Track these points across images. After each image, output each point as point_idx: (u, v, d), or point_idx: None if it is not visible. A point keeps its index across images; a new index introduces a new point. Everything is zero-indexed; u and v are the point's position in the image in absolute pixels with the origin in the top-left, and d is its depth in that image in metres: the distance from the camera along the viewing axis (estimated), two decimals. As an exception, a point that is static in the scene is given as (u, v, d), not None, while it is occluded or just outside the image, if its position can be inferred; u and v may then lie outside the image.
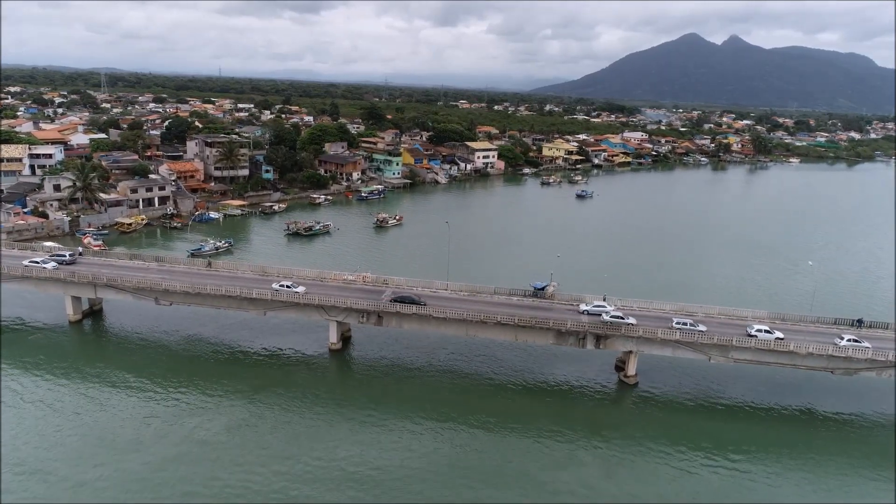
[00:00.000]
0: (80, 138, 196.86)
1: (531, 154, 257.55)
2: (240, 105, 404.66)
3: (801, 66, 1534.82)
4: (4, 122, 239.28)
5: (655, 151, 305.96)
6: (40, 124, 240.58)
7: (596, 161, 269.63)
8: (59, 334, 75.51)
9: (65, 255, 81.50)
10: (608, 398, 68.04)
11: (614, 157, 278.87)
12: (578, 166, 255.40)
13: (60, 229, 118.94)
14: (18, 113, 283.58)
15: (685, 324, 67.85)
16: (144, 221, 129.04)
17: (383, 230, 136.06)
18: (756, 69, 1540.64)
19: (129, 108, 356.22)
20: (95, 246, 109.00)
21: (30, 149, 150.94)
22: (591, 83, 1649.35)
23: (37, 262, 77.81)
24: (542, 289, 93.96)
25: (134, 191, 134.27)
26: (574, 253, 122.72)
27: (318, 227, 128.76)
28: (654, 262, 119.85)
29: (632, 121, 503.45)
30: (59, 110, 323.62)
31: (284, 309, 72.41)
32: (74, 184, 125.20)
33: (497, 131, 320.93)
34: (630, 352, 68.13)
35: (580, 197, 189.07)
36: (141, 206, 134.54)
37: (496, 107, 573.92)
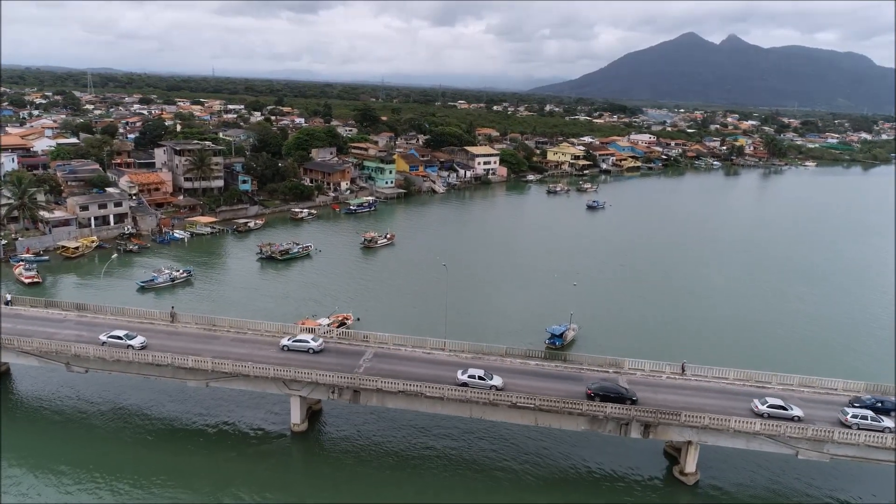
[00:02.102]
0: (45, 144, 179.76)
1: (535, 159, 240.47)
2: (230, 106, 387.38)
3: (800, 65, 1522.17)
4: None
5: (665, 155, 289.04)
6: (6, 128, 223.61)
7: (604, 166, 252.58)
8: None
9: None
10: (655, 494, 51.06)
11: (622, 162, 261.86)
12: (586, 172, 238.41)
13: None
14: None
15: (772, 407, 50.91)
16: (95, 244, 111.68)
17: (372, 252, 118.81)
18: (755, 69, 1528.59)
19: (112, 109, 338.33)
20: (27, 278, 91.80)
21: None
22: (589, 83, 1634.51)
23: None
24: (561, 335, 77.31)
25: (85, 207, 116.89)
26: (591, 279, 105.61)
27: (296, 250, 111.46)
28: (686, 293, 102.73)
29: (635, 121, 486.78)
30: (36, 112, 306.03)
31: (231, 380, 55.24)
32: (11, 201, 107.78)
33: (497, 133, 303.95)
34: (689, 442, 51.05)
35: (591, 208, 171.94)
36: (93, 226, 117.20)
37: (495, 107, 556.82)
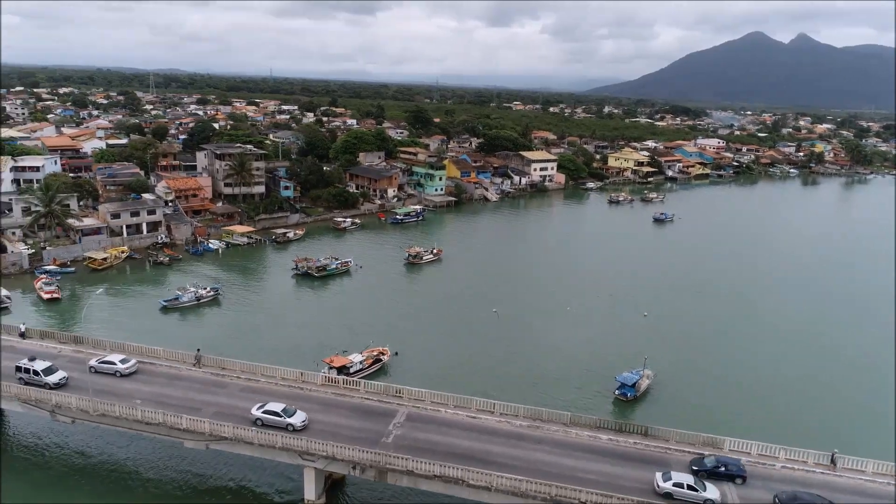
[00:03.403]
0: (95, 145, 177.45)
1: (595, 165, 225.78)
2: (283, 107, 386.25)
3: (876, 65, 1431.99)
4: (21, 126, 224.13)
5: (737, 161, 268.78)
6: (62, 128, 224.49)
7: (670, 173, 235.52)
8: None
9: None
10: None
11: (690, 169, 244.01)
12: (650, 179, 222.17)
13: (18, 265, 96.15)
14: (49, 116, 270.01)
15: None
16: (126, 254, 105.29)
17: (416, 269, 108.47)
18: (825, 69, 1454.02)
19: (168, 110, 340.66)
20: (46, 293, 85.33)
21: (14, 160, 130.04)
22: (648, 83, 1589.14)
23: None
24: (634, 385, 64.86)
25: (116, 215, 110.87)
26: (663, 308, 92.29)
27: (334, 266, 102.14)
28: (783, 331, 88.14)
29: (699, 124, 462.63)
30: (95, 112, 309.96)
31: (233, 445, 45.54)
32: (39, 208, 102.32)
33: (554, 137, 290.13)
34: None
35: (658, 221, 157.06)
36: (125, 234, 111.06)
37: (552, 108, 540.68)
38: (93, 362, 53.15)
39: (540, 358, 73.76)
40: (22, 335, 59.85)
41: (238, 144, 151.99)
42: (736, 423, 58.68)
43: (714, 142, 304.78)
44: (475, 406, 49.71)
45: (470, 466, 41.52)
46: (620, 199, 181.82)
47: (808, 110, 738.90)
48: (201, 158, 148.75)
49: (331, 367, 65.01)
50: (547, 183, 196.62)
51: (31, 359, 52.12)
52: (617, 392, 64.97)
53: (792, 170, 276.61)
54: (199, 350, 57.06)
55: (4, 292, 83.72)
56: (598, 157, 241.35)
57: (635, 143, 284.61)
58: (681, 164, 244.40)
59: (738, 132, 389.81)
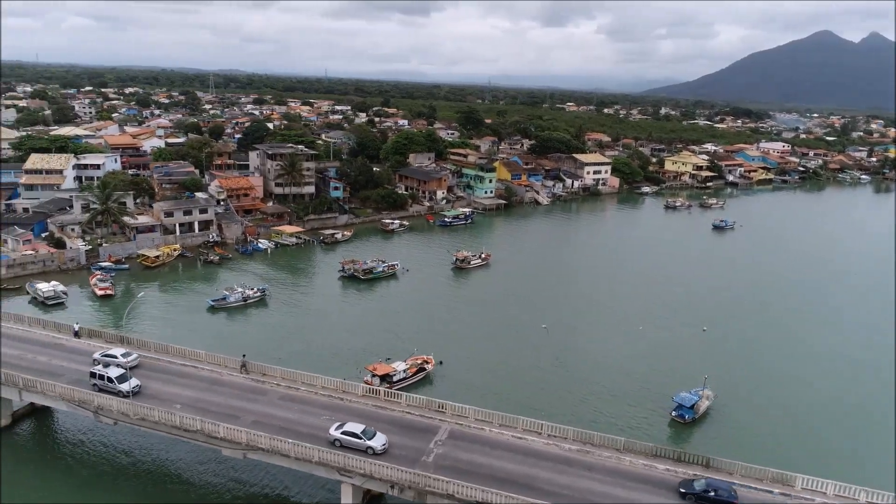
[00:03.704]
0: (154, 143, 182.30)
1: (651, 168, 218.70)
2: (337, 107, 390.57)
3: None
4: (88, 125, 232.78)
5: (803, 166, 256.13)
6: (125, 127, 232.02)
7: (730, 178, 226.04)
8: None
9: None
10: None
11: (752, 174, 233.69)
12: (709, 184, 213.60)
13: (75, 261, 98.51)
14: (114, 115, 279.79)
15: None
16: (178, 252, 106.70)
17: (464, 274, 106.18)
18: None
19: (226, 110, 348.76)
20: (100, 290, 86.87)
21: (77, 158, 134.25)
22: (707, 84, 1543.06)
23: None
24: (692, 406, 60.88)
25: (169, 214, 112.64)
26: (724, 322, 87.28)
27: (380, 269, 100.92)
28: (858, 353, 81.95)
29: (762, 127, 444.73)
30: (157, 111, 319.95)
31: (270, 456, 44.20)
32: (96, 206, 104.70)
33: (608, 139, 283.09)
34: None
35: (718, 228, 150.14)
36: (178, 233, 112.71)
37: (606, 110, 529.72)
38: (96, 355, 53.98)
39: (590, 372, 70.34)
40: (76, 334, 60.16)
41: (290, 144, 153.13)
42: (806, 456, 54.26)
43: (778, 145, 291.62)
44: (521, 426, 47.03)
45: (514, 493, 38.93)
46: (677, 204, 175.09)
47: (880, 113, 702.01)
48: (254, 158, 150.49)
49: (373, 375, 63.49)
50: (600, 186, 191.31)
51: (106, 365, 51.11)
52: (674, 413, 61.09)
53: (863, 176, 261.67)
54: (244, 356, 55.95)
55: (61, 287, 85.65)
56: (654, 160, 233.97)
57: (694, 146, 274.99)
58: (742, 169, 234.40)
59: (803, 135, 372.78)
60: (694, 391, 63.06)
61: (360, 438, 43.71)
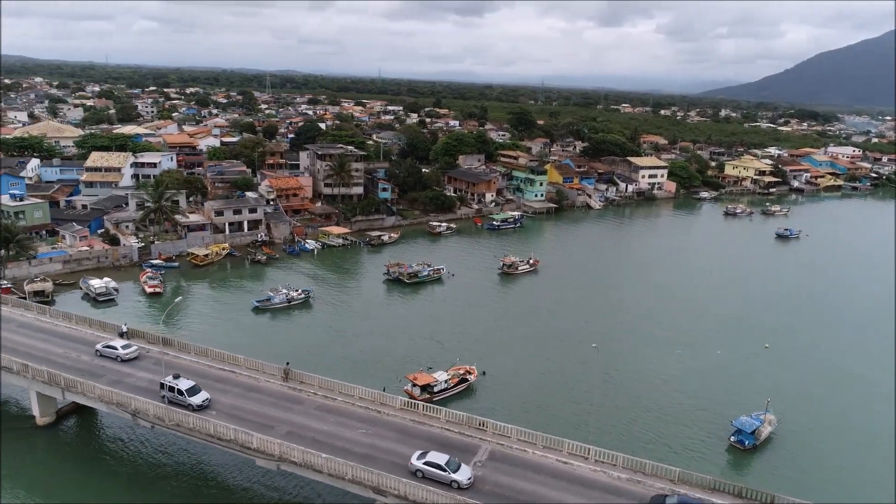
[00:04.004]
0: (210, 142, 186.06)
1: (709, 173, 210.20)
2: (389, 107, 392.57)
3: None
4: (149, 124, 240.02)
5: (875, 172, 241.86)
6: (184, 126, 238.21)
7: (795, 184, 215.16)
8: (11, 442, 51.91)
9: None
10: None
11: (819, 179, 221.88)
12: (772, 190, 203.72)
13: (128, 258, 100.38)
14: (174, 114, 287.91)
15: None
16: (226, 251, 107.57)
17: (511, 280, 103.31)
18: None
19: (280, 109, 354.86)
20: (150, 287, 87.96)
21: (135, 156, 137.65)
22: (770, 85, 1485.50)
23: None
24: (753, 432, 56.56)
25: (219, 212, 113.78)
26: (788, 339, 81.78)
27: (425, 273, 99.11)
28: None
29: (830, 130, 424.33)
30: (214, 111, 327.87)
31: (303, 470, 42.68)
32: (149, 204, 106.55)
33: (665, 141, 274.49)
34: None
35: (781, 237, 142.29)
36: (228, 231, 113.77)
37: (662, 111, 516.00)
38: (99, 346, 56.26)
39: (641, 389, 66.54)
40: (122, 335, 60.06)
41: (340, 145, 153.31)
42: (883, 493, 49.42)
43: (848, 150, 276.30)
44: (567, 449, 44.14)
45: (557, 525, 36.22)
46: (738, 211, 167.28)
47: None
48: (304, 158, 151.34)
49: (414, 385, 61.65)
50: (656, 191, 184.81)
51: (176, 376, 49.24)
52: (732, 439, 56.88)
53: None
54: (287, 364, 54.44)
55: (112, 284, 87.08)
56: (713, 164, 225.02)
57: (756, 150, 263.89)
58: (808, 174, 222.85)
59: (875, 139, 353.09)
60: (755, 415, 58.65)
61: (445, 471, 40.65)
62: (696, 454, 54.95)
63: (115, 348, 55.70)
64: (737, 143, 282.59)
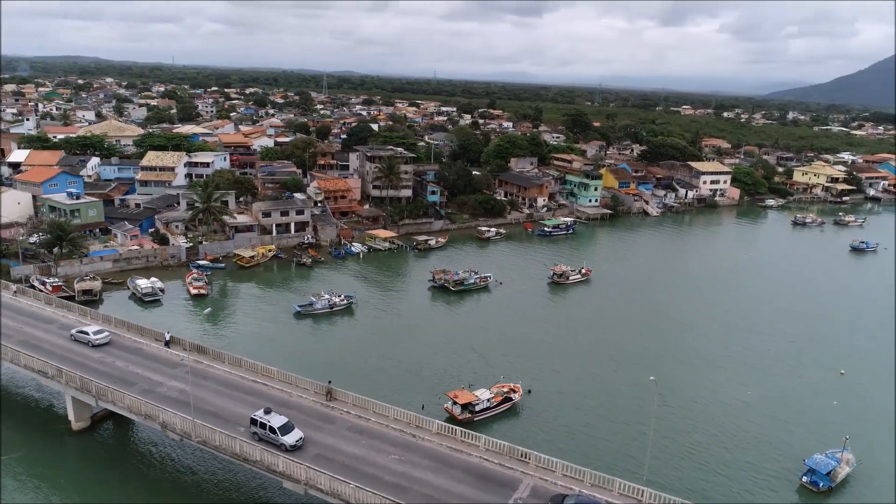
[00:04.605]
0: (264, 143, 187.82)
1: (776, 179, 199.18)
2: (443, 108, 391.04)
3: None
4: (207, 123, 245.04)
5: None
6: (240, 126, 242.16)
7: (871, 192, 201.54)
8: (46, 446, 51.31)
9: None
10: None
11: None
12: (846, 198, 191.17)
13: (176, 258, 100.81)
14: (232, 114, 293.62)
15: None
16: (272, 253, 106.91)
17: (561, 290, 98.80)
18: None
19: (335, 110, 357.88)
20: (194, 288, 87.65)
21: (189, 156, 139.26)
22: (843, 87, 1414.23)
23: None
24: (829, 473, 50.87)
25: (267, 214, 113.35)
26: (867, 366, 74.51)
27: (472, 281, 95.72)
28: None
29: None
30: (271, 111, 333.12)
31: (331, 497, 39.95)
32: (195, 204, 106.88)
33: (728, 145, 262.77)
34: None
35: (856, 250, 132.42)
36: (275, 233, 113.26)
37: (725, 113, 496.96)
38: (73, 331, 58.71)
39: (701, 419, 61.31)
40: (167, 343, 58.61)
41: (389, 147, 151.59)
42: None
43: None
44: (617, 489, 39.98)
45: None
46: (807, 220, 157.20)
47: None
48: (353, 160, 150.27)
49: (454, 403, 58.40)
50: (718, 198, 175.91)
51: (268, 411, 44.71)
52: (805, 479, 51.32)
53: None
54: (329, 383, 51.10)
55: (159, 284, 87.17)
56: (780, 169, 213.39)
57: (827, 156, 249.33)
58: (886, 182, 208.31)
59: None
60: (830, 453, 52.90)
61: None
62: (763, 496, 49.74)
63: (87, 333, 57.98)
64: (806, 148, 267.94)
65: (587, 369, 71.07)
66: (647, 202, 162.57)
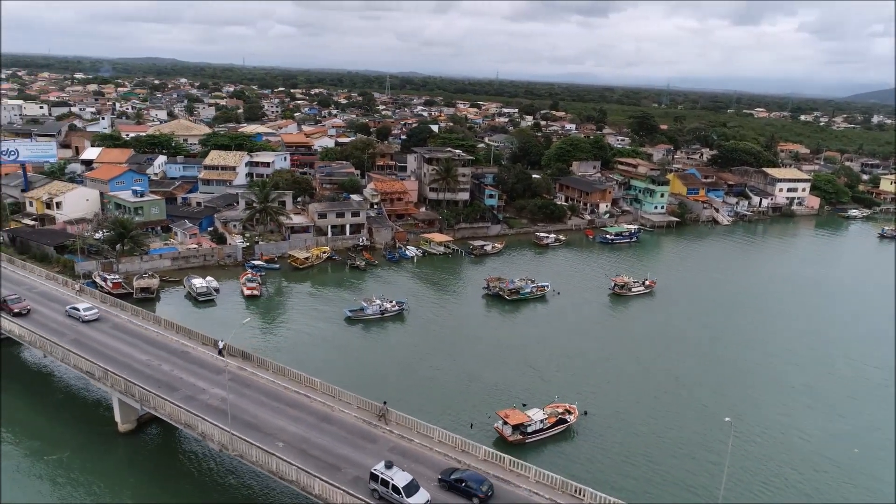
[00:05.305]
0: (325, 143, 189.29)
1: (861, 188, 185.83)
2: (504, 109, 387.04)
3: None
4: (271, 123, 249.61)
5: None
6: (303, 126, 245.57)
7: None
8: (92, 447, 51.10)
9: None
10: None
11: None
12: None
13: (232, 258, 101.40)
14: (296, 114, 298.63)
15: None
16: (327, 254, 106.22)
17: (622, 302, 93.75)
18: None
19: (397, 111, 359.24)
20: (248, 289, 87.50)
21: (250, 156, 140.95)
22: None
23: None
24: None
25: (322, 215, 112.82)
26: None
27: (528, 290, 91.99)
28: None
29: None
30: (334, 111, 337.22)
31: (369, 526, 37.60)
32: (253, 204, 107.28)
33: (807, 151, 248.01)
34: None
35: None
36: (330, 234, 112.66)
37: (803, 117, 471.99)
38: (67, 308, 64.08)
39: (778, 453, 55.82)
40: (220, 352, 57.04)
41: (448, 148, 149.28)
42: None
43: None
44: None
45: None
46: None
47: None
48: (411, 161, 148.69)
49: (505, 423, 55.13)
50: (795, 207, 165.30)
51: (389, 465, 40.21)
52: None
53: None
54: (385, 403, 48.04)
55: (214, 284, 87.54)
56: (865, 177, 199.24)
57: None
58: None
59: None
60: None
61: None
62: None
63: (78, 310, 63.16)
64: (895, 154, 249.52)
65: (648, 390, 66.36)
66: (717, 210, 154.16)
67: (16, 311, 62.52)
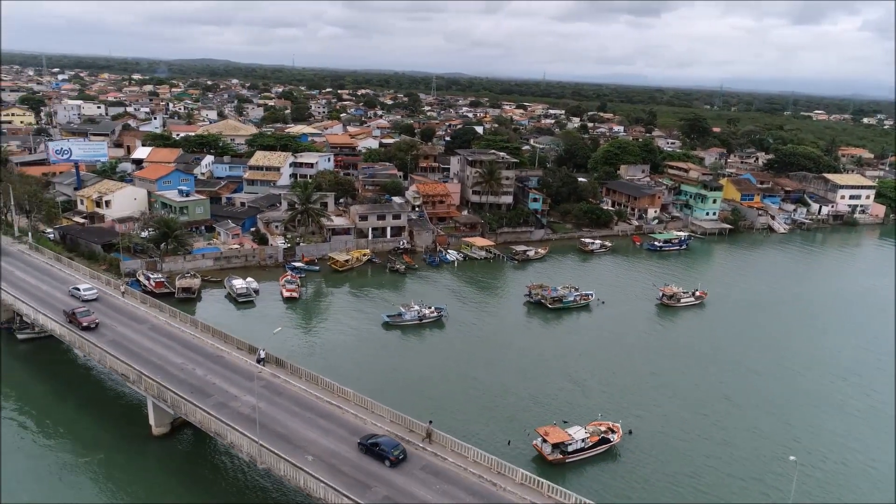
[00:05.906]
0: (369, 144, 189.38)
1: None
2: (550, 111, 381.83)
3: None
4: (317, 124, 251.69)
5: None
6: (348, 127, 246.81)
7: None
8: (126, 450, 50.89)
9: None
10: None
11: None
12: None
13: (274, 259, 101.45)
14: (342, 115, 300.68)
15: None
16: (367, 257, 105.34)
17: (670, 313, 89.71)
18: None
19: (442, 112, 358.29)
20: (287, 291, 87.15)
21: (294, 156, 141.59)
22: None
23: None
24: None
25: (364, 217, 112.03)
26: None
27: (571, 299, 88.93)
28: None
29: None
30: (380, 112, 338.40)
31: (396, 551, 35.75)
32: (295, 205, 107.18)
33: (871, 155, 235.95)
34: None
35: None
36: (370, 237, 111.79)
37: (865, 119, 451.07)
38: (70, 289, 68.52)
39: (839, 478, 51.72)
40: (259, 361, 55.12)
41: (492, 151, 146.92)
42: None
43: None
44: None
45: None
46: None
47: None
48: (454, 163, 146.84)
49: (544, 441, 52.64)
50: (858, 215, 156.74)
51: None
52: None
53: None
54: (430, 423, 45.27)
55: (254, 285, 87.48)
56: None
57: None
58: None
59: None
60: None
61: None
62: None
63: (79, 290, 67.47)
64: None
65: (697, 409, 62.77)
66: (773, 217, 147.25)
67: (84, 324, 59.01)
